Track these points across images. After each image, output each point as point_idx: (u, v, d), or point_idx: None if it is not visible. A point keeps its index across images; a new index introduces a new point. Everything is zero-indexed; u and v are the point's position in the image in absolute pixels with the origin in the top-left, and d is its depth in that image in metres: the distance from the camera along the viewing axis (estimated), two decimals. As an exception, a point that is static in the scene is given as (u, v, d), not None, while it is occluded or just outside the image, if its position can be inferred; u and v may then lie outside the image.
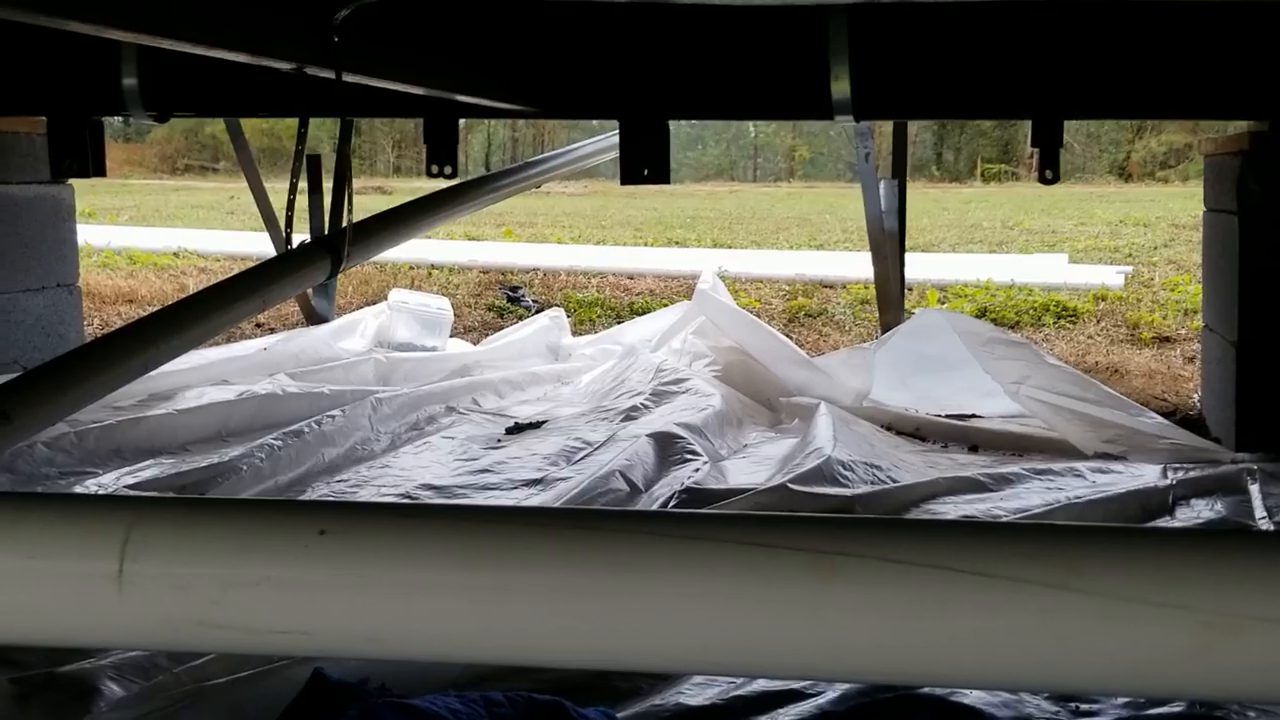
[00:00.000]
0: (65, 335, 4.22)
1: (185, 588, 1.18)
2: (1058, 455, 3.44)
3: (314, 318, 4.99)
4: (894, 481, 3.08)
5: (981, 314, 6.05)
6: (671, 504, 2.91)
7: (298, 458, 3.27)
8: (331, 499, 3.09)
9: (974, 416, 3.90)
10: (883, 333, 4.38)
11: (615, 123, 3.87)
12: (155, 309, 6.15)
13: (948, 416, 3.88)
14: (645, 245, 10.21)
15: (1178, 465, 3.24)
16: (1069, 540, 1.10)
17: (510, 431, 3.75)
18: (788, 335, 4.97)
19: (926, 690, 1.95)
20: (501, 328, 5.65)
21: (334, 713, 1.84)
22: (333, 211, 4.66)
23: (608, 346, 4.95)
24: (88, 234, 6.88)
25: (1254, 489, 3.03)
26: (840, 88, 3.41)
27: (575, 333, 5.48)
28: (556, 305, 6.14)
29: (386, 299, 5.30)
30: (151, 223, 11.51)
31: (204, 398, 3.83)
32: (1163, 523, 2.89)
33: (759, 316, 5.04)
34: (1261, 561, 1.02)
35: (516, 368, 4.64)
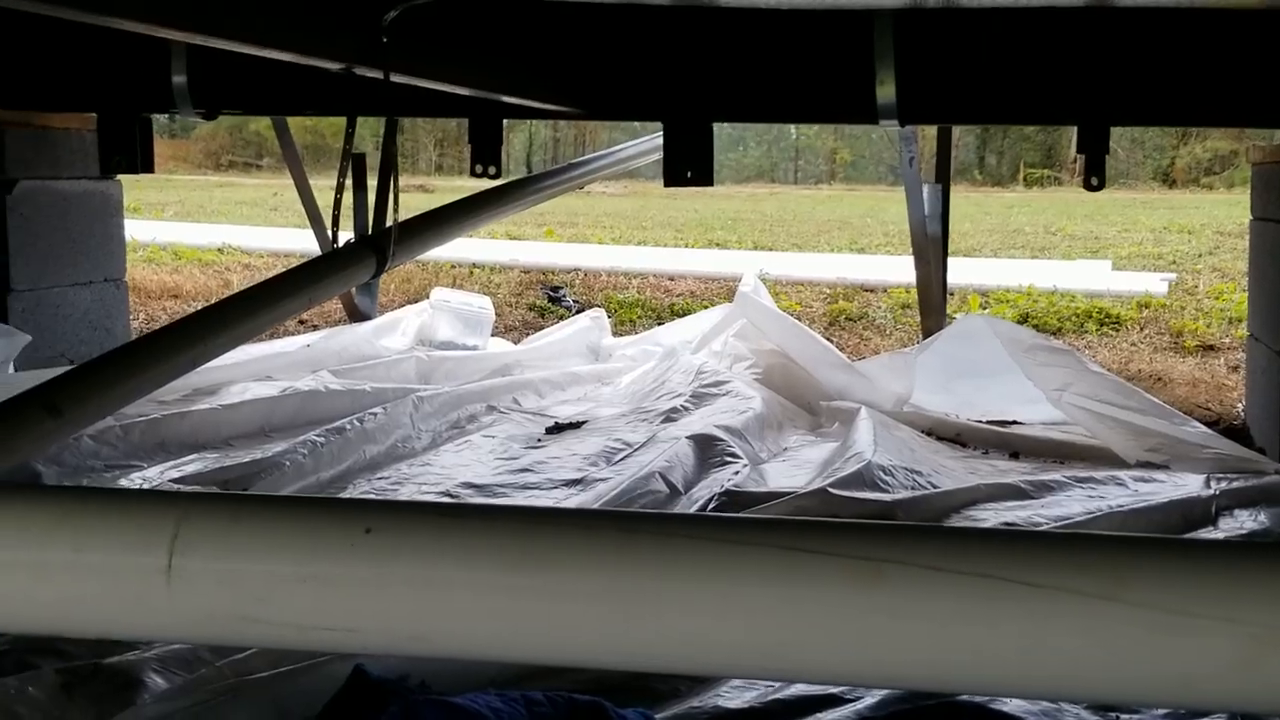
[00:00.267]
0: (112, 329, 4.26)
1: (232, 583, 1.19)
2: (1100, 463, 3.42)
3: (356, 315, 5.02)
4: (934, 487, 3.07)
5: (1023, 320, 6.03)
6: (711, 506, 2.91)
7: (339, 454, 3.29)
8: (373, 496, 3.11)
9: (1015, 423, 3.88)
10: (924, 338, 4.37)
11: (657, 124, 3.89)
12: (200, 304, 6.23)
13: (989, 423, 3.86)
14: (686, 247, 10.22)
15: (1221, 475, 3.21)
16: (1115, 551, 1.09)
17: (550, 431, 3.76)
18: (828, 339, 4.97)
19: (966, 697, 1.94)
20: (542, 327, 5.67)
21: (375, 709, 1.85)
22: (377, 210, 4.68)
23: (648, 347, 4.96)
24: (133, 229, 6.93)
25: (1299, 500, 3.00)
26: (885, 92, 3.41)
27: (615, 333, 5.48)
28: (597, 305, 6.15)
29: (428, 297, 5.32)
30: (196, 218, 11.60)
31: (247, 393, 3.85)
32: (1205, 533, 2.87)
33: (800, 319, 5.04)
34: (1311, 575, 1.01)
35: (557, 368, 4.65)
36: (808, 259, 8.97)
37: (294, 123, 5.06)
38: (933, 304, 4.50)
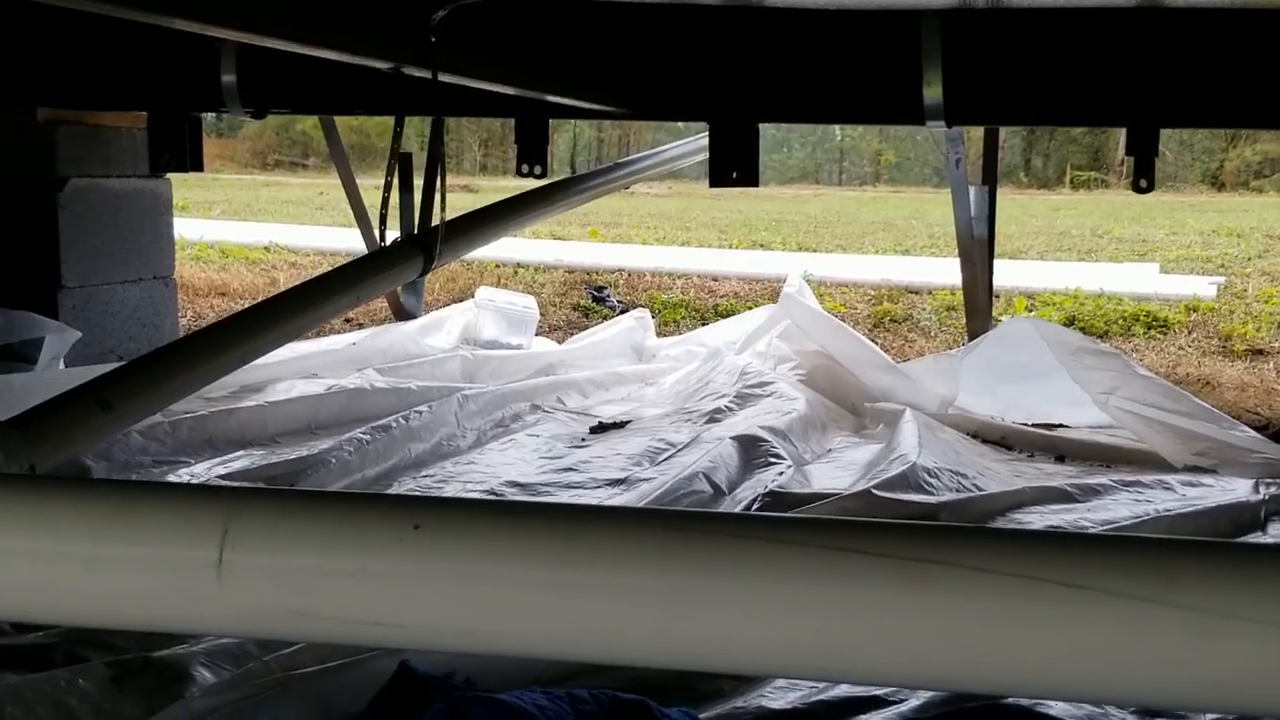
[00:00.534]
0: (160, 326, 4.30)
1: (282, 578, 1.21)
2: (1146, 467, 3.40)
3: (402, 314, 5.04)
4: (979, 490, 3.06)
5: (1070, 323, 5.99)
6: (755, 507, 2.91)
7: (385, 452, 3.31)
8: (418, 494, 3.13)
9: (1061, 426, 3.86)
10: (970, 340, 4.35)
11: (701, 124, 3.89)
12: (247, 302, 6.28)
13: (1034, 425, 3.84)
14: (730, 247, 10.21)
15: (1270, 480, 3.18)
16: (1163, 553, 1.09)
17: (594, 431, 3.77)
18: (873, 340, 4.95)
19: (1011, 700, 1.94)
20: (586, 327, 5.68)
21: (420, 705, 1.86)
22: (423, 209, 4.70)
23: (692, 348, 4.96)
24: (181, 227, 7.00)
25: (1349, 506, 2.97)
26: (932, 92, 3.39)
27: (659, 334, 5.49)
28: (641, 306, 6.15)
29: (473, 296, 5.34)
30: (243, 217, 11.70)
31: (293, 391, 3.88)
32: (1254, 538, 2.85)
33: (844, 321, 5.02)
34: (1363, 580, 1.00)
35: (601, 367, 4.66)
36: (852, 260, 8.95)
37: (340, 122, 5.10)
38: (978, 306, 4.48)
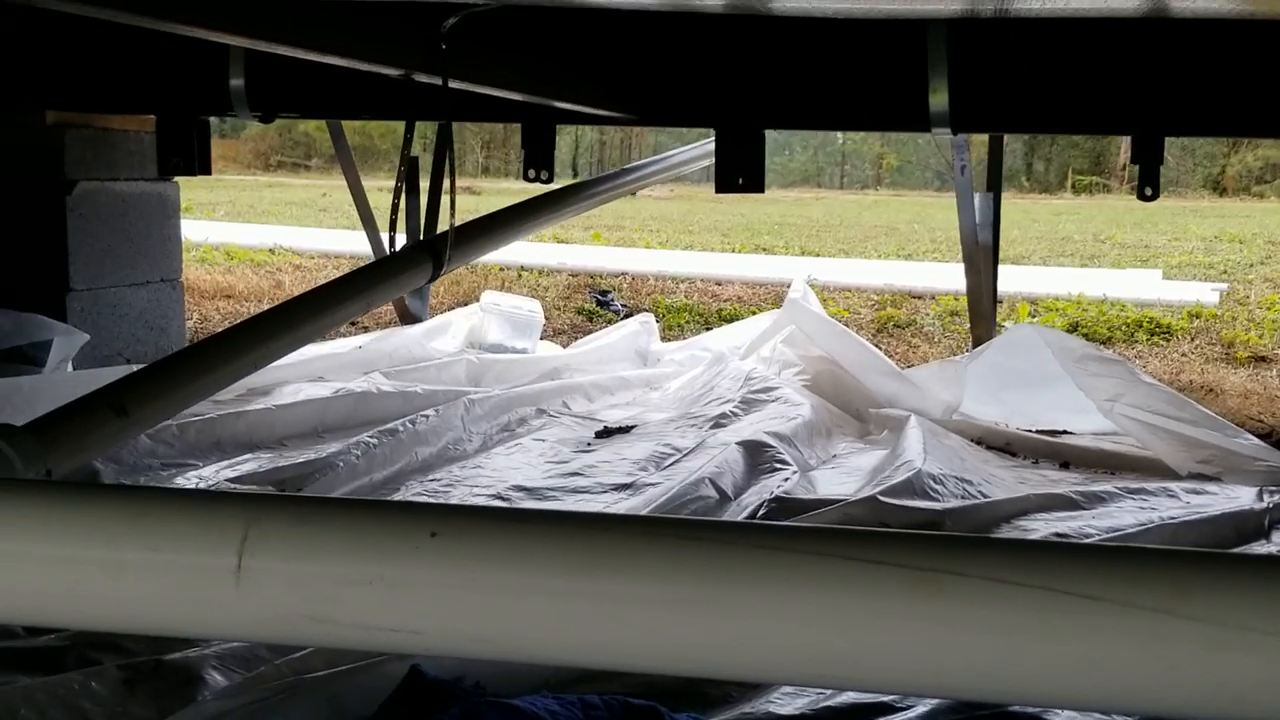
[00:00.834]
0: (167, 329, 4.31)
1: (300, 584, 1.22)
2: (1151, 475, 3.41)
3: (407, 317, 5.06)
4: (985, 497, 3.07)
5: (1073, 329, 6.00)
6: (760, 513, 2.92)
7: (392, 456, 3.32)
8: (425, 497, 3.14)
9: (1065, 433, 3.87)
10: (974, 346, 4.36)
11: (705, 128, 3.90)
12: (253, 305, 6.29)
13: (1039, 432, 3.85)
14: (733, 251, 10.23)
15: (1274, 488, 3.19)
16: (1176, 565, 1.10)
17: (600, 435, 3.78)
18: (876, 346, 4.96)
19: (1018, 708, 1.95)
20: (590, 331, 5.69)
21: (430, 709, 1.87)
22: (428, 213, 4.72)
23: (696, 353, 4.97)
24: (186, 229, 6.99)
25: (1353, 515, 2.98)
26: (938, 100, 3.41)
27: (664, 338, 5.50)
28: (645, 310, 6.17)
29: (477, 300, 5.35)
30: (247, 219, 11.71)
31: (300, 394, 3.89)
32: (1258, 546, 2.86)
33: (848, 326, 5.04)
34: (1375, 592, 1.01)
35: (606, 372, 4.67)
36: (855, 265, 8.96)
37: (344, 124, 5.11)
38: (982, 312, 4.49)
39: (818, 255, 10.05)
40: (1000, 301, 5.99)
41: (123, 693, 1.95)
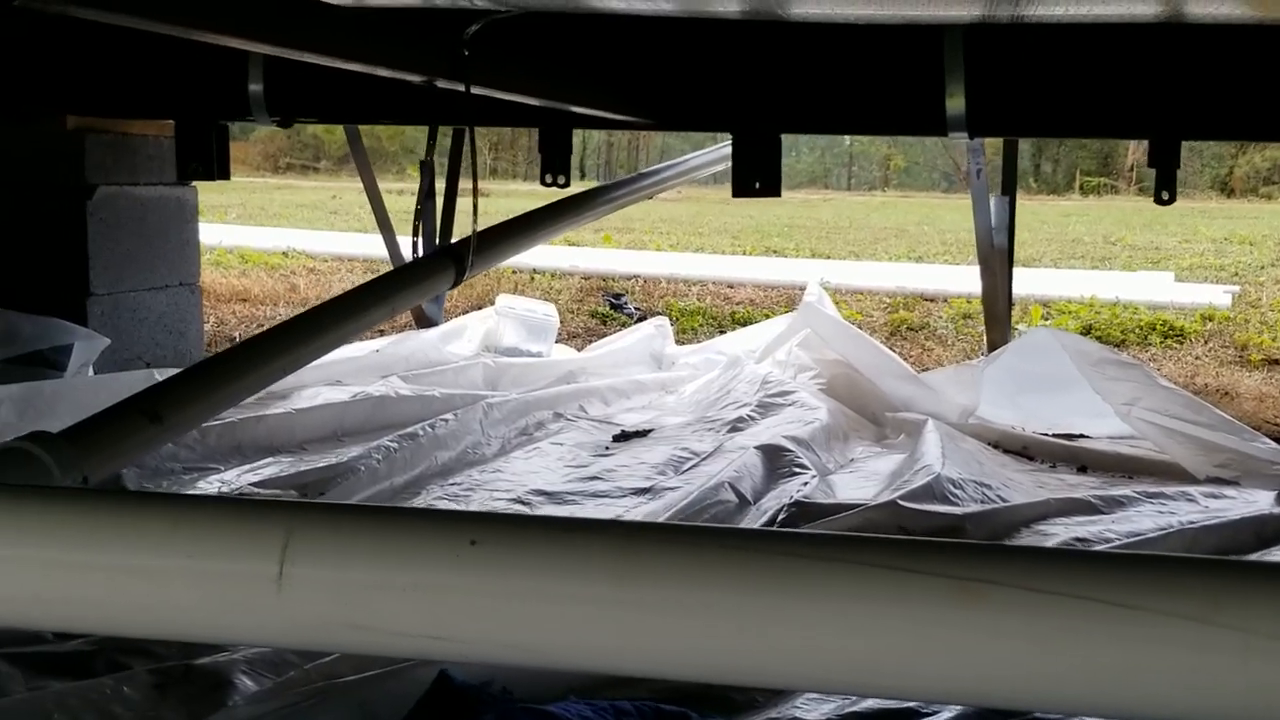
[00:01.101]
0: (186, 333, 4.33)
1: (341, 591, 1.23)
2: (1169, 478, 3.42)
3: (423, 321, 5.07)
4: (1004, 501, 3.08)
5: (1086, 331, 6.01)
6: (780, 517, 2.93)
7: (412, 460, 3.33)
8: (446, 501, 3.16)
9: (1082, 436, 3.87)
10: (989, 350, 4.37)
11: (717, 132, 3.91)
12: (268, 308, 6.31)
13: (1055, 436, 3.86)
14: (744, 254, 10.24)
15: (1292, 492, 3.20)
16: (1212, 574, 1.11)
17: (617, 439, 3.79)
18: (890, 349, 4.97)
19: (1040, 715, 1.96)
20: (604, 334, 5.70)
21: (460, 714, 1.89)
22: (444, 218, 4.74)
23: (711, 356, 4.98)
24: (200, 232, 7.04)
25: (1371, 518, 2.98)
26: (955, 104, 3.42)
27: (677, 341, 5.51)
28: (658, 313, 6.18)
29: (491, 303, 5.37)
30: (258, 221, 11.74)
31: (319, 398, 3.91)
32: (1277, 551, 2.86)
33: (861, 329, 5.04)
34: None
35: (621, 375, 4.69)
36: (866, 267, 8.97)
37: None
38: (998, 315, 4.50)
39: (828, 257, 10.06)
40: (1013, 304, 6.00)
41: (154, 697, 1.96)
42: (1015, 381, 4.00)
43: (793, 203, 19.38)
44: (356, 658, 2.04)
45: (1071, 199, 24.59)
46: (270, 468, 3.26)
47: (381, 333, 5.37)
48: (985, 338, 4.60)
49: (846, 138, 30.71)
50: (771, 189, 3.67)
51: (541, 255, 8.23)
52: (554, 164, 3.72)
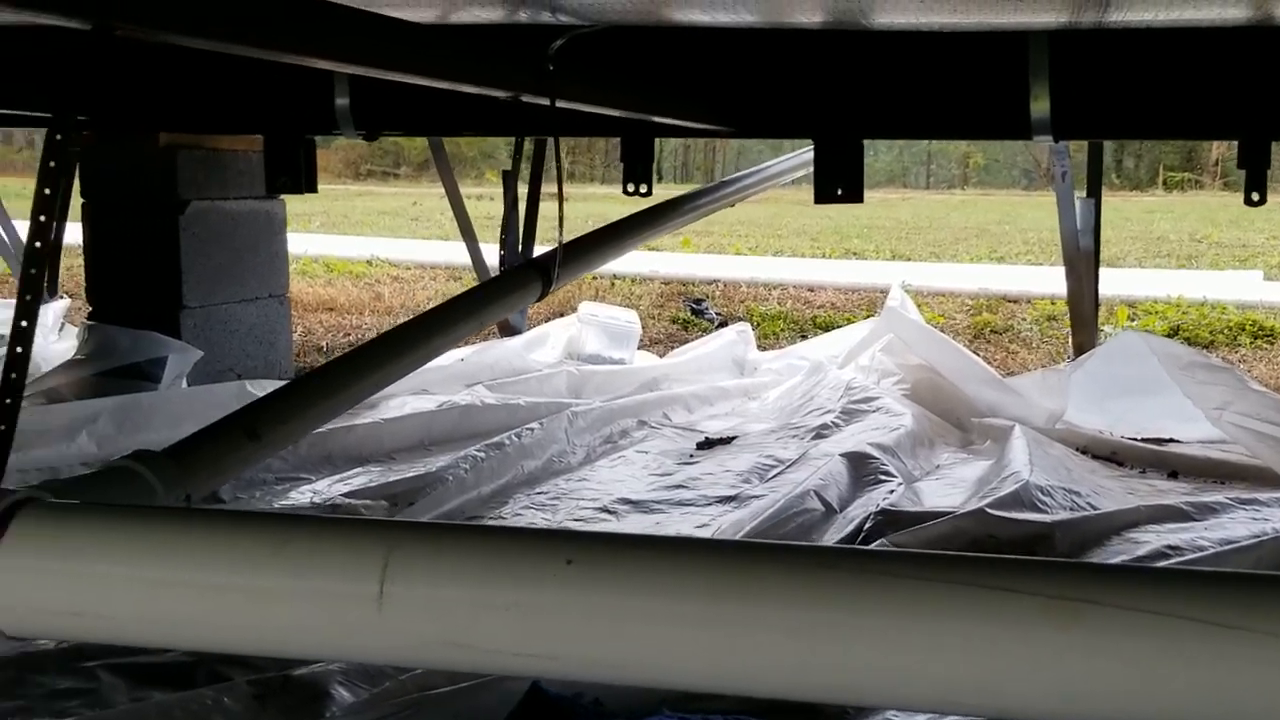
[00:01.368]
0: (275, 344, 4.40)
1: (440, 610, 1.25)
2: (1261, 484, 3.37)
3: (507, 329, 5.11)
4: (1094, 508, 3.05)
5: (1173, 332, 5.93)
6: (867, 526, 2.92)
7: (499, 469, 3.36)
8: (532, 511, 3.18)
9: (1172, 441, 3.83)
10: (1075, 353, 4.33)
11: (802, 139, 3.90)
12: (354, 317, 6.39)
13: (1145, 441, 3.81)
14: (823, 256, 10.21)
15: (1390, 498, 3.14)
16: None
17: (701, 446, 3.80)
18: (973, 353, 4.94)
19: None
20: (685, 340, 5.71)
21: (553, 726, 1.91)
22: (526, 226, 4.77)
23: (793, 361, 4.97)
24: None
25: None
26: (1039, 107, 3.39)
27: (759, 346, 5.51)
28: (739, 318, 6.18)
29: (572, 310, 5.40)
30: (341, 229, 11.87)
31: (406, 407, 3.96)
32: (1376, 559, 2.81)
33: (943, 332, 5.01)
34: None
35: (704, 382, 4.69)
36: (947, 269, 8.91)
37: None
38: (1084, 318, 4.46)
39: (908, 259, 10.00)
40: (1099, 306, 5.94)
41: (254, 708, 2.00)
42: (1103, 386, 3.96)
43: (871, 203, 19.18)
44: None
45: (1155, 194, 24.22)
46: (360, 478, 3.31)
47: (466, 340, 5.41)
48: (1071, 340, 4.55)
49: (925, 137, 30.42)
50: (854, 195, 3.66)
51: (621, 261, 8.23)
52: (636, 172, 3.74)
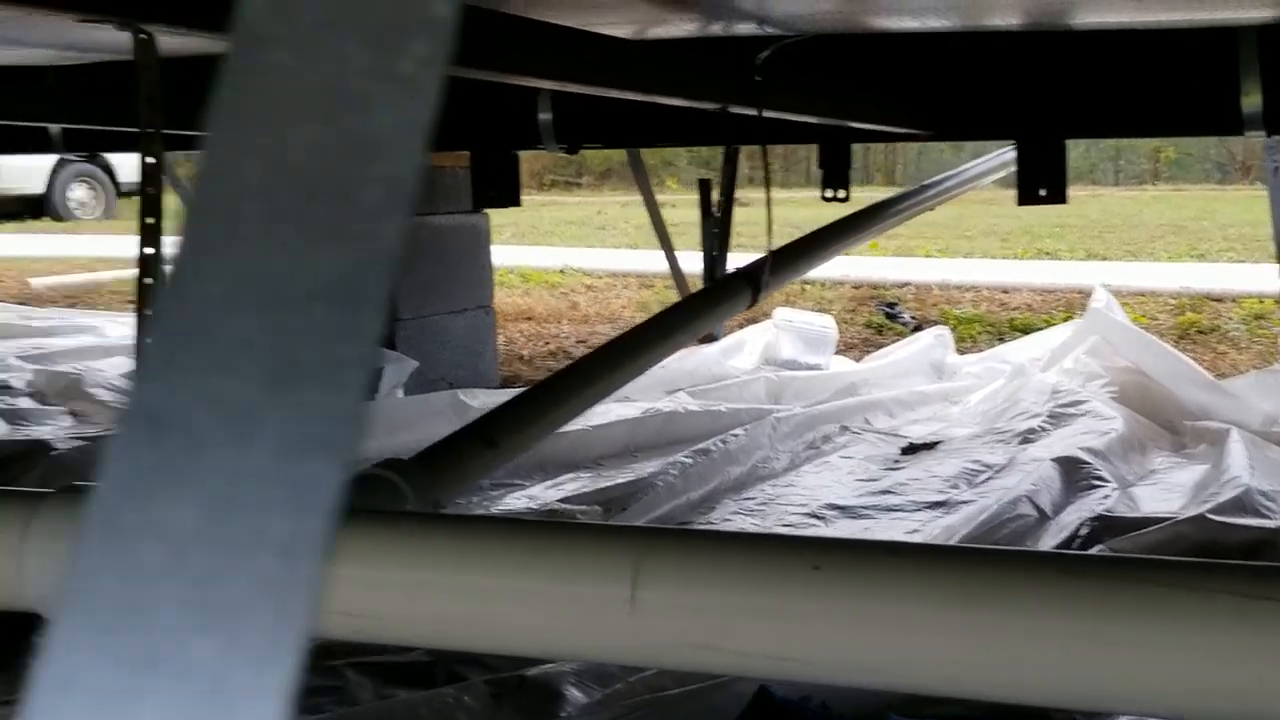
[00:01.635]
0: (483, 353, 4.53)
1: (690, 614, 1.30)
2: None
3: (704, 336, 5.16)
4: (1320, 514, 2.97)
5: (1394, 330, 5.70)
6: (1082, 532, 2.89)
7: (705, 475, 3.41)
8: (742, 516, 3.22)
9: (1400, 443, 3.69)
10: (1291, 353, 4.21)
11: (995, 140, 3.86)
12: (552, 326, 6.53)
13: (1371, 443, 3.69)
14: (1015, 257, 10.04)
15: None
16: None
17: (906, 452, 3.80)
18: (1180, 353, 4.82)
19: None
20: (880, 344, 5.69)
21: (781, 729, 1.94)
22: (721, 233, 4.81)
23: (994, 365, 4.92)
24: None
25: None
26: (1251, 101, 3.32)
27: (956, 350, 5.46)
28: (933, 321, 6.14)
29: (767, 316, 5.42)
30: (532, 239, 12.09)
31: (611, 414, 4.02)
32: None
33: (1147, 333, 4.91)
34: None
35: (902, 386, 4.68)
36: (1146, 268, 8.69)
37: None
38: (1299, 318, 4.33)
39: (1104, 259, 9.78)
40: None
41: (491, 706, 2.08)
42: (1323, 387, 3.84)
43: (1059, 200, 18.75)
44: (678, 672, 2.12)
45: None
46: (571, 483, 3.39)
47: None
48: (1285, 341, 4.42)
49: (1113, 130, 29.62)
50: (1057, 196, 3.62)
51: (811, 266, 8.25)
52: (834, 178, 3.75)
